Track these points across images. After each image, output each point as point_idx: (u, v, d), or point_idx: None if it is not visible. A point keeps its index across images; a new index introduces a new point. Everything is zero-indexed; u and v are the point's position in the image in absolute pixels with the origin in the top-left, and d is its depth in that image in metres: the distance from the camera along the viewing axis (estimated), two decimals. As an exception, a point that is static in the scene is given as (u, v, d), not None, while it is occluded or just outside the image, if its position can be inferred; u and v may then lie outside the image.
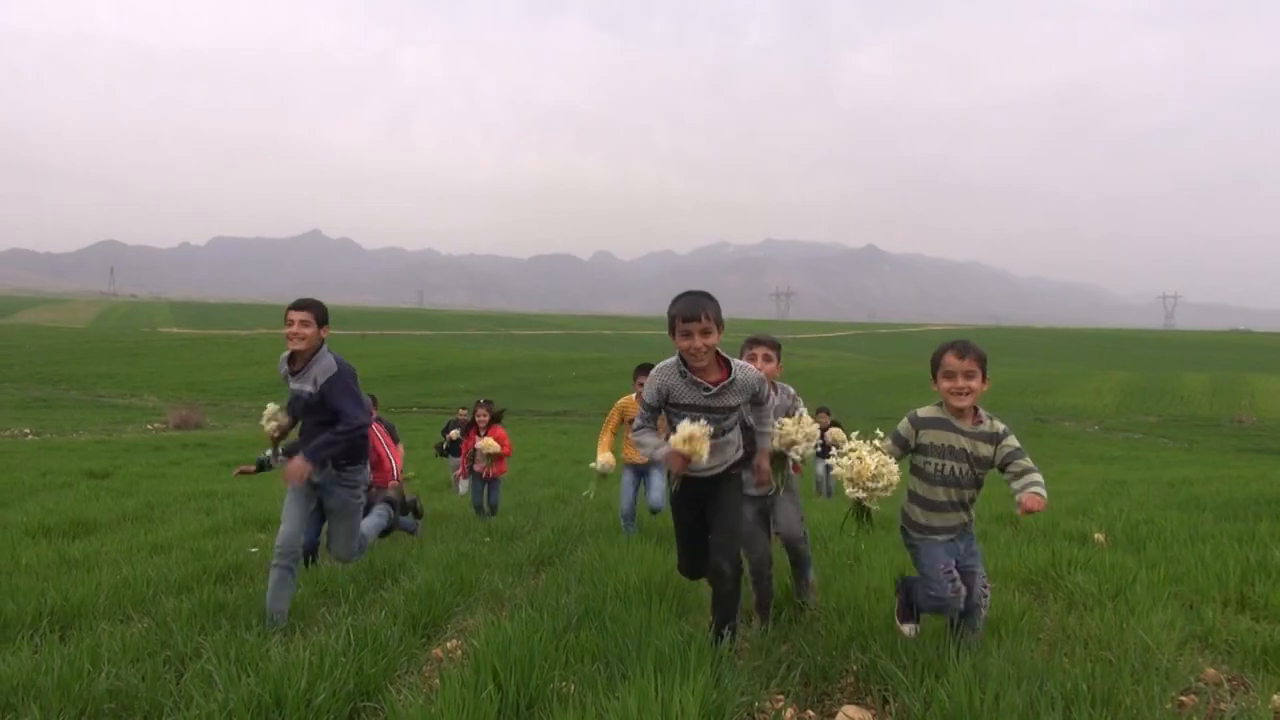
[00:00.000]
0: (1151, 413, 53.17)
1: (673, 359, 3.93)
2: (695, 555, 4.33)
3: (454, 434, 13.01)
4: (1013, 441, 3.86)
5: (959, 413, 3.85)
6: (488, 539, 7.75)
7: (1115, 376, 77.77)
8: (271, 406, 5.48)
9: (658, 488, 7.83)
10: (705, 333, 3.74)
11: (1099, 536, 6.86)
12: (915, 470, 4.00)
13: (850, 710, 3.39)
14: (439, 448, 13.81)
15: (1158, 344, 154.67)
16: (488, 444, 9.49)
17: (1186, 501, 9.28)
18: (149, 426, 31.42)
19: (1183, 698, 3.45)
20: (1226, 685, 3.63)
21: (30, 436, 24.44)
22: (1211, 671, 3.74)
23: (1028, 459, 3.80)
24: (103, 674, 3.66)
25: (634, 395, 7.52)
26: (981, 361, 3.84)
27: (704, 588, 5.19)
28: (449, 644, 4.41)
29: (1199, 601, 4.79)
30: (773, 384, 4.72)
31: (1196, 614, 4.51)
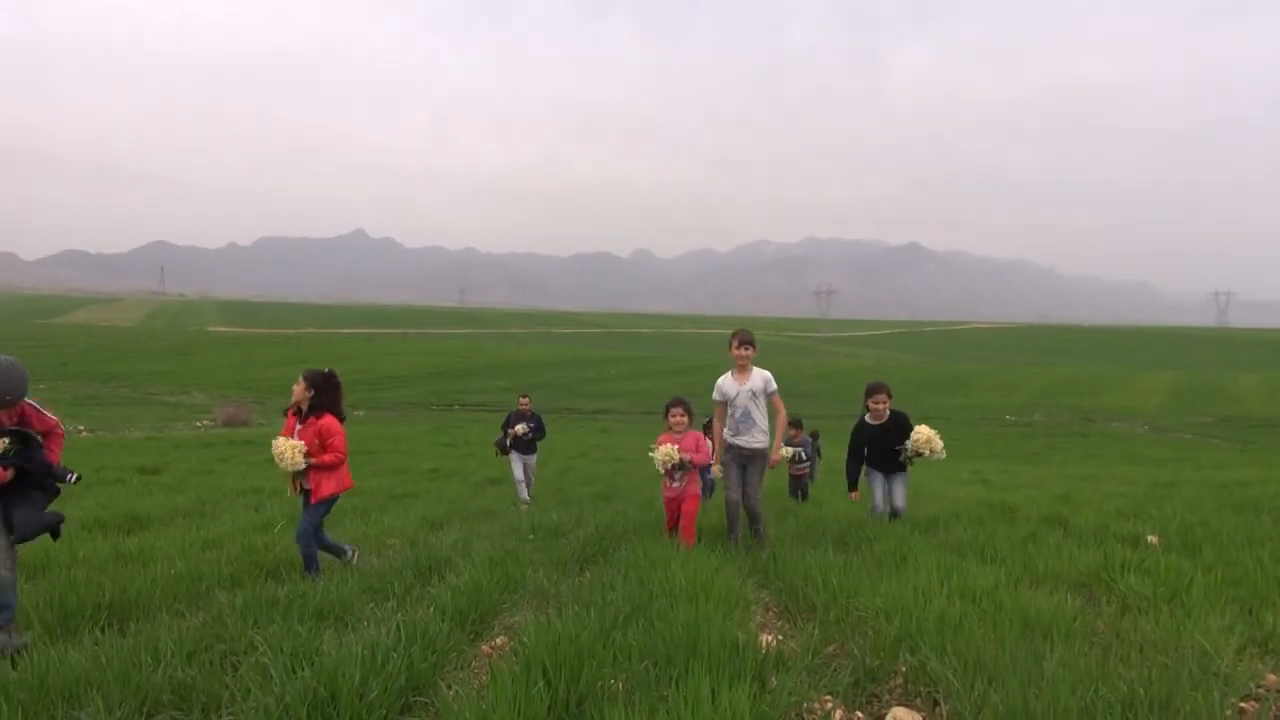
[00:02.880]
0: (1203, 413, 51.84)
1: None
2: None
3: (519, 429, 12.27)
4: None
5: None
6: (531, 536, 7.80)
7: (1165, 376, 75.92)
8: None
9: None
10: None
11: (1152, 539, 6.71)
12: None
13: (900, 712, 3.36)
14: (499, 444, 12.57)
15: (1210, 342, 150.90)
16: (283, 447, 5.94)
17: (1242, 504, 9.05)
18: (198, 424, 32.05)
19: (1243, 704, 3.37)
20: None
21: (84, 433, 25.03)
22: (1273, 677, 3.66)
23: None
24: (161, 666, 3.75)
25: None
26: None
27: (749, 589, 5.22)
28: (497, 640, 4.44)
29: (1258, 605, 4.67)
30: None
31: (1255, 618, 4.41)
